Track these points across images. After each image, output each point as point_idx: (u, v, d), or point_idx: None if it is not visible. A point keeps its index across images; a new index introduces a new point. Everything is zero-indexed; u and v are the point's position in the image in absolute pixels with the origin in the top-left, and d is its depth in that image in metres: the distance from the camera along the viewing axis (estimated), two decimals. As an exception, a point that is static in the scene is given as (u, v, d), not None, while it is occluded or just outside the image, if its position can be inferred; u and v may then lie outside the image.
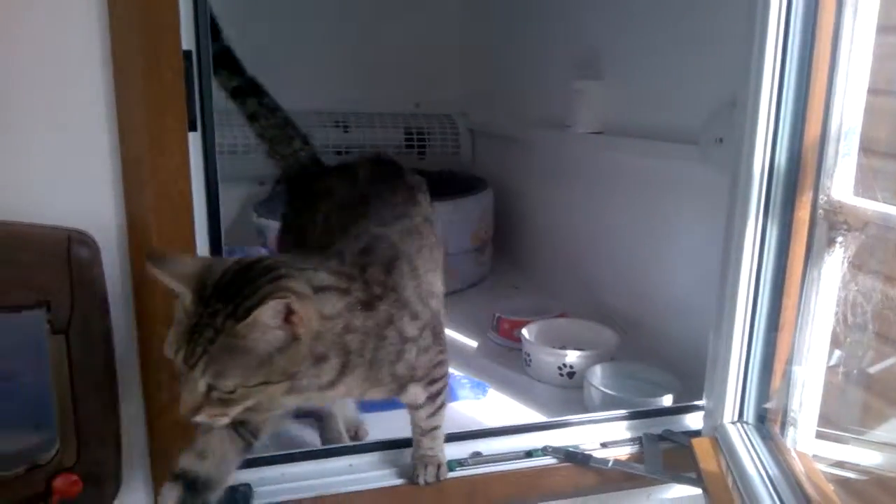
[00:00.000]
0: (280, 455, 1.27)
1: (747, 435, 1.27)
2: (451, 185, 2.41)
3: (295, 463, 1.27)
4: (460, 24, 2.85)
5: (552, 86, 2.24)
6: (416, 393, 1.16)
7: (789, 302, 1.23)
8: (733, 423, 1.31)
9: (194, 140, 1.03)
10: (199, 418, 0.88)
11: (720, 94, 1.52)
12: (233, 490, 1.15)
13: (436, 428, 1.26)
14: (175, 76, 0.99)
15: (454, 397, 1.65)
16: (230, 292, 0.87)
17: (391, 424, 1.39)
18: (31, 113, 0.98)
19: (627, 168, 1.93)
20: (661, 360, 1.71)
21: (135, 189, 1.01)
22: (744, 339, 1.27)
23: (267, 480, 1.23)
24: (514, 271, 2.53)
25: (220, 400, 0.87)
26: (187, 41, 1.01)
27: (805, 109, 1.17)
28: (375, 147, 2.72)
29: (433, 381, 1.18)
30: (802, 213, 1.19)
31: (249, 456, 1.09)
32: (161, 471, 1.13)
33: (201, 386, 0.86)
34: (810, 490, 1.11)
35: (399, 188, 1.27)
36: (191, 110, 1.00)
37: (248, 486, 1.19)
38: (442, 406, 1.24)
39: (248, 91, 1.28)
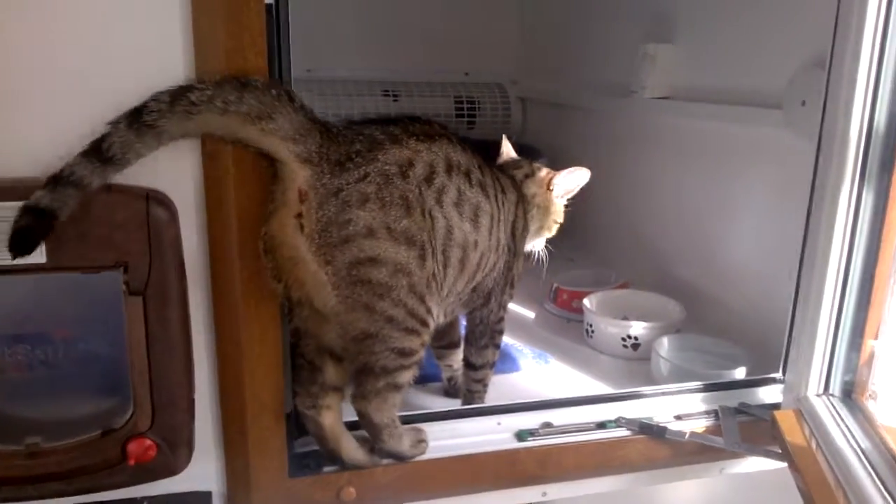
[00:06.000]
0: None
1: (835, 408, 1.22)
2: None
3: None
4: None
5: (615, 50, 2.17)
6: None
7: (883, 270, 1.17)
8: (819, 395, 1.26)
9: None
10: None
11: (803, 53, 1.45)
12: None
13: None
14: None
15: (516, 367, 1.61)
16: None
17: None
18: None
19: (694, 134, 1.86)
20: (727, 332, 1.65)
21: (213, 148, 0.98)
22: (833, 311, 1.22)
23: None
24: (567, 242, 2.46)
25: None
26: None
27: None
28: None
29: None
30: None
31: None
32: (232, 438, 1.12)
33: None
34: (907, 465, 1.06)
35: None
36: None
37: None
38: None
39: None
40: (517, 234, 1.34)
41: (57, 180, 0.88)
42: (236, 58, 0.94)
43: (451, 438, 1.25)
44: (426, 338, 1.11)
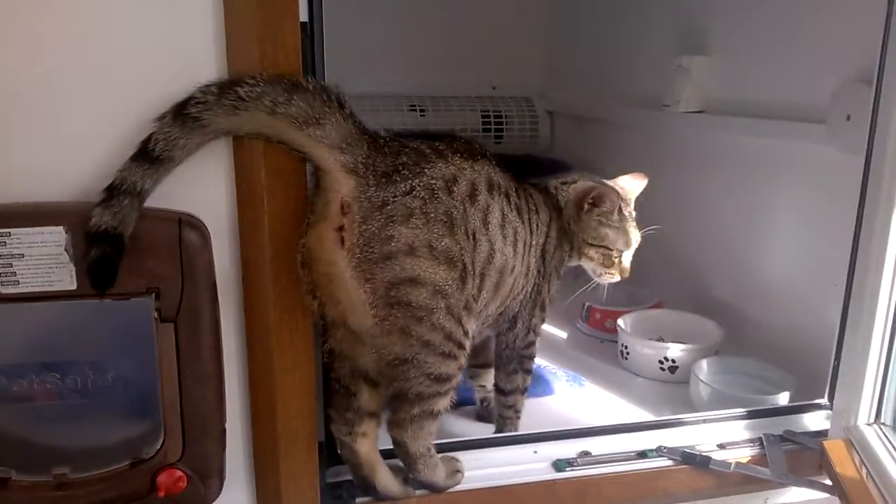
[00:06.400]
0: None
1: (887, 438, 1.17)
2: (530, 168, 2.32)
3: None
4: (539, 2, 2.76)
5: (646, 62, 2.13)
6: None
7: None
8: (869, 424, 1.21)
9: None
10: None
11: (845, 66, 1.41)
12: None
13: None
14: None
15: (550, 391, 1.57)
16: None
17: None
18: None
19: (730, 148, 1.81)
20: (767, 355, 1.60)
21: (246, 169, 0.95)
22: (885, 335, 1.17)
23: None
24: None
25: None
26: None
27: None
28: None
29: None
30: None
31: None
32: (264, 467, 1.09)
33: None
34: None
35: None
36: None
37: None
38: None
39: None
40: (547, 257, 1.30)
41: (110, 191, 0.86)
42: (270, 77, 0.92)
43: (486, 468, 1.22)
44: (462, 361, 1.07)
